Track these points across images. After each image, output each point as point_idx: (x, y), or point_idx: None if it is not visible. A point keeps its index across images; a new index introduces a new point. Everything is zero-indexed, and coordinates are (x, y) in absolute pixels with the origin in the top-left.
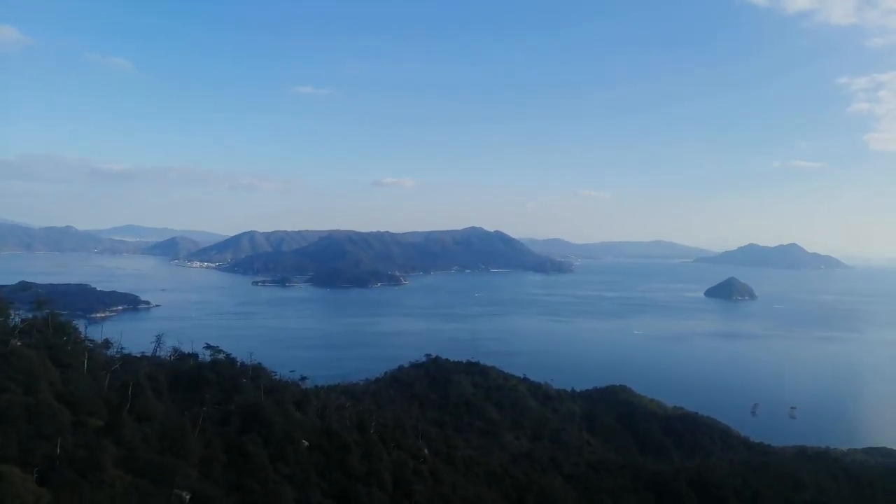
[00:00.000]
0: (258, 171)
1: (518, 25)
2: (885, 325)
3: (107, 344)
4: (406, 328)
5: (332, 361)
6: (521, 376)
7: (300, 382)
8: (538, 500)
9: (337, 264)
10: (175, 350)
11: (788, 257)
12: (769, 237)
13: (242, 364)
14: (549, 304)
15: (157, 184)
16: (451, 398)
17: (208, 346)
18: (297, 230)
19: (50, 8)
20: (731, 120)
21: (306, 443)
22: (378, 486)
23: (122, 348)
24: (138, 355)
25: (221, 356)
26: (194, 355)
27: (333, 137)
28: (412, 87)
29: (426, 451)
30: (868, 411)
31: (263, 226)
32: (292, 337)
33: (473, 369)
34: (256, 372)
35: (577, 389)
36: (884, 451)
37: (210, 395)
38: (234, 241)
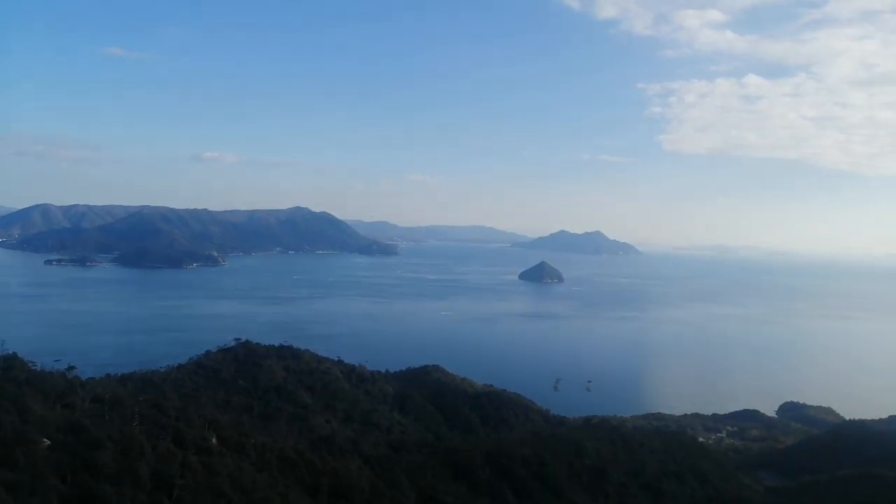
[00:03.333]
0: (52, 137)
1: (349, 12)
2: (663, 305)
3: None
4: (221, 311)
5: (136, 347)
6: (336, 359)
7: (66, 373)
8: (333, 484)
9: (148, 243)
10: None
11: (593, 243)
12: (578, 225)
13: None
14: (373, 286)
15: None
16: (260, 383)
17: None
18: (101, 205)
19: None
20: (547, 114)
21: (47, 442)
22: (133, 485)
23: None
24: None
25: None
26: None
27: (146, 105)
28: (236, 60)
29: (214, 440)
30: (649, 382)
31: (60, 199)
32: (92, 321)
33: (286, 353)
34: (8, 363)
35: (392, 370)
36: (658, 416)
37: None
38: (22, 215)
